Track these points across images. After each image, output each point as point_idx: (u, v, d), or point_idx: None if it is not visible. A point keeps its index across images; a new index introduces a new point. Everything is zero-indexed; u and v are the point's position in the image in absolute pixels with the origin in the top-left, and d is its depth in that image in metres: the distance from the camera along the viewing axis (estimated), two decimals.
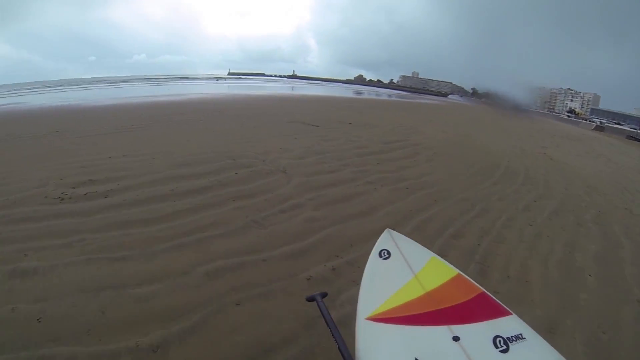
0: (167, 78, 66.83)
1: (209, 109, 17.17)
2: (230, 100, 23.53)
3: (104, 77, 73.13)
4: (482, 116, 32.52)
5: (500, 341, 1.47)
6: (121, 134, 10.28)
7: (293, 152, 8.97)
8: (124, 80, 57.11)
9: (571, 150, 18.21)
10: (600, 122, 55.70)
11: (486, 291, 1.82)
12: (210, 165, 7.36)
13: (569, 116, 69.49)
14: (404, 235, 2.30)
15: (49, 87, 40.69)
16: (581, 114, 74.37)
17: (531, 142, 17.81)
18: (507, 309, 1.68)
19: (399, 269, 1.98)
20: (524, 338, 1.51)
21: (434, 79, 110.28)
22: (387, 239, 2.23)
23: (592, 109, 76.00)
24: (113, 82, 50.88)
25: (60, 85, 42.95)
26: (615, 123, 58.69)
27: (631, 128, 51.47)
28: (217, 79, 77.59)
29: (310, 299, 1.96)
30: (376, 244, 2.21)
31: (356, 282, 2.41)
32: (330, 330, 1.67)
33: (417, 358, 1.39)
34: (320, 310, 1.83)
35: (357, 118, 17.76)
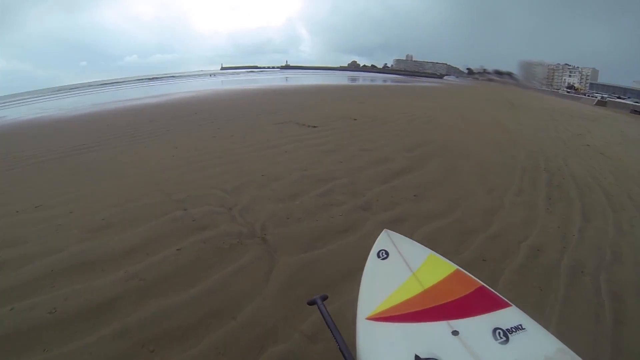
0: (157, 78, 64.85)
1: (184, 112, 14.23)
2: (213, 99, 20.28)
3: (94, 81, 71.70)
4: (491, 95, 29.71)
5: (499, 333, 1.41)
6: (62, 160, 7.94)
7: (280, 182, 5.97)
8: (114, 83, 56.92)
9: (604, 135, 15.09)
10: (602, 97, 52.62)
11: (485, 285, 1.71)
12: (142, 228, 4.42)
13: (568, 92, 66.97)
14: (401, 235, 2.18)
15: (35, 96, 40.02)
16: (580, 89, 71.82)
17: (561, 128, 14.94)
18: (507, 300, 1.59)
19: (397, 268, 1.89)
20: (524, 328, 1.43)
21: (428, 60, 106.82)
22: (385, 240, 2.13)
23: (591, 84, 73.56)
24: (101, 86, 49.83)
25: (47, 94, 42.37)
26: (617, 97, 55.73)
27: (635, 102, 48.25)
28: (211, 74, 74.63)
29: (312, 303, 1.85)
30: (374, 244, 2.10)
31: None
32: (332, 332, 1.60)
33: (417, 354, 1.34)
34: (321, 313, 1.74)
35: (362, 110, 14.48)
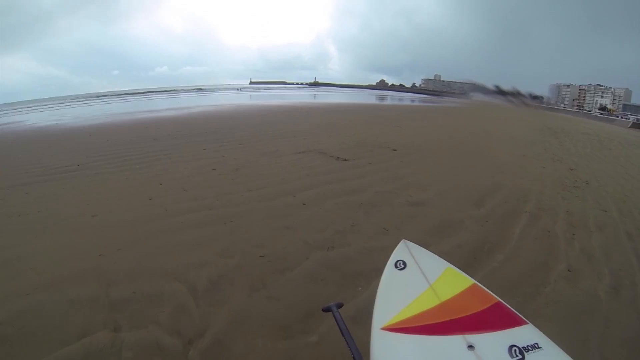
0: (185, 90, 64.20)
1: (194, 131, 12.12)
2: (232, 115, 18.20)
3: (122, 90, 72.57)
4: (523, 117, 26.90)
5: (515, 350, 1.34)
6: (18, 190, 6.32)
7: (289, 275, 3.60)
8: (141, 93, 57.78)
9: None
10: (637, 119, 49.21)
11: (502, 301, 1.63)
12: None
13: (601, 114, 63.30)
14: (419, 246, 2.11)
15: (64, 102, 42.20)
16: (613, 111, 67.43)
17: (622, 161, 12.22)
18: (523, 318, 1.52)
19: (415, 279, 1.83)
20: (540, 347, 1.37)
21: (456, 80, 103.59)
22: (403, 250, 2.06)
23: (624, 105, 69.42)
24: (128, 95, 49.74)
25: (75, 100, 44.25)
26: None
27: None
28: (239, 89, 73.21)
29: (327, 310, 1.76)
30: (392, 254, 2.02)
31: None
32: (346, 340, 1.52)
33: None
34: (336, 321, 1.65)
35: (399, 136, 12.05)
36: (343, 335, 1.56)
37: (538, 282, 3.68)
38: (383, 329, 1.51)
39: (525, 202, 6.09)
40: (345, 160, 8.02)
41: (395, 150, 9.49)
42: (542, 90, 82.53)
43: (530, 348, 1.36)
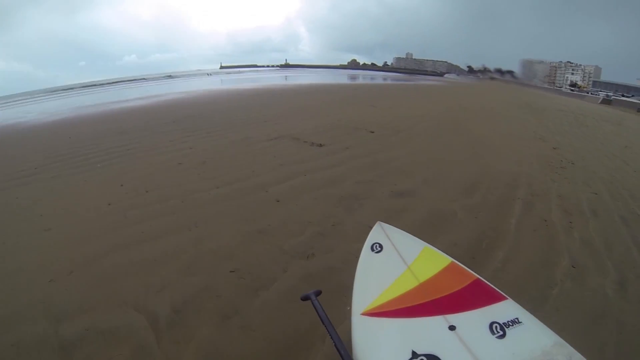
0: (155, 78, 62.28)
1: (162, 121, 11.34)
2: (202, 102, 17.23)
3: (90, 82, 69.90)
4: (502, 95, 26.89)
5: (496, 327, 1.37)
6: None
7: (264, 295, 3.02)
8: (110, 83, 55.75)
9: None
10: (607, 95, 51.04)
11: (481, 277, 1.66)
12: None
13: (572, 90, 64.59)
14: (395, 227, 2.10)
15: (29, 98, 39.94)
16: (584, 87, 69.37)
17: (600, 137, 12.31)
18: (503, 293, 1.56)
19: (392, 261, 1.83)
20: (521, 322, 1.40)
21: (429, 58, 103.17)
22: (379, 232, 2.05)
23: (594, 82, 71.32)
24: (96, 87, 47.86)
25: (41, 95, 41.88)
26: (621, 95, 54.36)
27: None
28: (209, 74, 71.49)
29: (305, 298, 1.76)
30: (368, 237, 2.02)
31: None
32: (326, 328, 1.51)
33: (414, 350, 1.30)
34: (315, 309, 1.64)
35: (376, 117, 11.46)
36: (323, 323, 1.53)
37: (544, 283, 3.28)
38: (363, 314, 1.50)
39: (516, 187, 5.68)
40: (320, 145, 7.43)
41: (372, 132, 8.95)
42: (514, 66, 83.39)
43: (510, 323, 1.37)
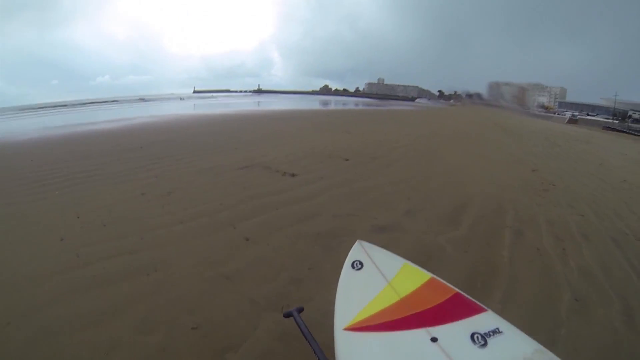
0: (127, 100, 61.13)
1: (129, 146, 10.51)
2: (172, 127, 16.22)
3: (62, 101, 67.86)
4: (475, 118, 27.19)
5: (478, 337, 1.38)
6: None
7: None
8: (81, 104, 54.98)
9: (616, 160, 12.83)
10: (573, 115, 54.17)
11: (460, 291, 1.67)
12: None
13: (539, 111, 66.80)
14: (374, 245, 2.12)
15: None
16: (551, 108, 71.95)
17: (573, 156, 12.49)
18: (482, 305, 1.57)
19: (373, 278, 1.84)
20: (501, 332, 1.42)
21: (400, 83, 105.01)
22: (359, 250, 2.06)
23: (559, 102, 74.32)
24: (66, 107, 46.66)
25: (10, 113, 40.54)
26: (586, 114, 57.51)
27: (605, 118, 50.44)
28: (182, 98, 70.80)
29: (288, 315, 1.81)
30: (348, 255, 2.02)
31: None
32: (310, 344, 1.53)
33: None
34: (298, 326, 1.67)
35: (350, 144, 11.17)
36: (306, 339, 1.54)
37: (550, 324, 2.94)
38: (345, 329, 1.50)
39: (502, 214, 5.38)
40: (293, 175, 6.97)
41: (347, 160, 8.56)
42: (482, 88, 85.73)
43: (491, 333, 1.39)
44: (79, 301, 3.03)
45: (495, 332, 1.39)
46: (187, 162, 8.18)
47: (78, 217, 4.91)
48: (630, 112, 55.51)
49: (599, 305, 3.24)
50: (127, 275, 3.41)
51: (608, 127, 40.60)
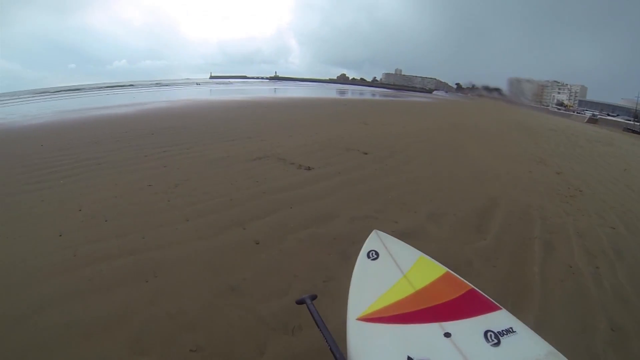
0: (143, 85, 60.55)
1: (139, 132, 10.23)
2: (186, 113, 16.01)
3: (79, 85, 66.82)
4: (493, 113, 26.44)
5: (491, 335, 1.36)
6: None
7: None
8: (98, 88, 53.21)
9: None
10: (593, 114, 52.29)
11: (475, 288, 1.63)
12: None
13: (559, 109, 65.52)
14: (391, 236, 2.08)
15: (16, 98, 36.45)
16: (570, 106, 70.37)
17: (597, 159, 11.97)
18: (497, 304, 1.54)
19: (388, 269, 1.81)
20: (515, 332, 1.39)
21: (417, 75, 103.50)
22: (375, 240, 2.03)
23: (579, 101, 72.78)
24: (83, 91, 46.37)
25: (29, 96, 38.55)
26: (607, 114, 55.68)
27: (626, 119, 48.75)
28: (198, 83, 70.19)
29: (300, 302, 1.77)
30: (364, 245, 1.99)
31: None
32: (322, 332, 1.52)
33: (410, 356, 1.28)
34: (311, 313, 1.65)
35: (368, 136, 10.80)
36: (319, 327, 1.53)
37: (586, 357, 2.64)
38: (358, 319, 1.48)
39: (530, 223, 5.02)
40: (308, 169, 6.64)
41: (366, 153, 8.21)
42: (502, 84, 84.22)
43: (505, 332, 1.36)
44: (71, 308, 2.76)
45: (509, 331, 1.37)
46: (199, 150, 7.90)
47: (80, 210, 4.64)
48: None
49: (635, 336, 2.95)
50: (125, 281, 3.13)
51: (629, 128, 39.35)
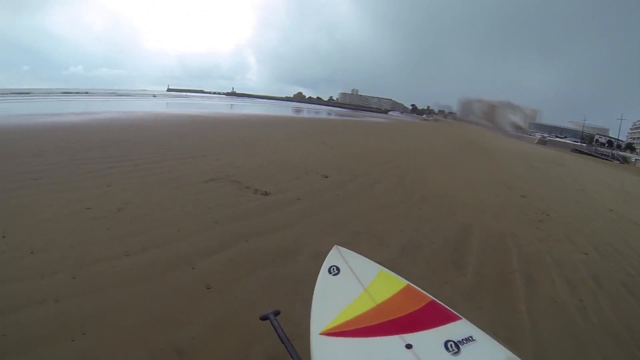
0: (99, 93, 58.16)
1: (89, 144, 8.84)
2: (140, 125, 14.47)
3: (32, 88, 62.81)
4: (451, 135, 26.73)
5: (451, 345, 1.37)
6: None
7: None
8: (50, 93, 50.03)
9: (594, 186, 13.12)
10: (543, 136, 55.48)
11: (435, 299, 1.68)
12: None
13: (511, 131, 68.51)
14: (351, 251, 2.11)
15: None
16: (523, 128, 73.22)
17: (555, 180, 12.59)
18: (457, 314, 1.57)
19: (349, 283, 1.83)
20: (474, 340, 1.41)
21: (374, 95, 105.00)
22: (336, 256, 2.07)
23: (530, 123, 76.01)
24: (35, 96, 43.40)
25: None
26: (555, 136, 59.53)
27: (574, 141, 51.93)
28: (154, 95, 68.41)
29: (264, 318, 1.74)
30: (325, 260, 2.02)
31: None
32: (286, 347, 1.51)
33: None
34: (275, 329, 1.65)
35: (327, 157, 10.46)
36: (283, 342, 1.52)
37: None
38: (322, 334, 1.48)
39: (507, 253, 4.77)
40: (265, 194, 6.07)
41: (326, 177, 7.75)
42: (454, 103, 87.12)
43: (465, 341, 1.37)
44: None
45: (469, 339, 1.38)
46: (148, 168, 7.19)
47: (3, 237, 3.94)
48: (596, 137, 57.67)
49: None
50: (45, 339, 2.44)
51: (577, 149, 42.02)
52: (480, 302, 3.42)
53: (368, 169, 9.31)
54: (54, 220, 4.43)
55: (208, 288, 3.18)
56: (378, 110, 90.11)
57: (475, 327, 1.46)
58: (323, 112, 58.43)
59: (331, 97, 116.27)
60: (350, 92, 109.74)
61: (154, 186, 6.09)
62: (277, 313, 1.74)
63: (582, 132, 56.82)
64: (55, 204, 4.94)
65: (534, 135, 57.21)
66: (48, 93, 50.64)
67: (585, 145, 47.13)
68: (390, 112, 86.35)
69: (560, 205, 8.24)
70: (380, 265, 1.94)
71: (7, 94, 43.93)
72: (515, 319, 3.24)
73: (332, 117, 44.65)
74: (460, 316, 1.52)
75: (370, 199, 6.56)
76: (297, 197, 6.11)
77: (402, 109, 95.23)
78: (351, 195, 6.66)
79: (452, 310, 1.57)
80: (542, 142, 47.86)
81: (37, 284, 3.08)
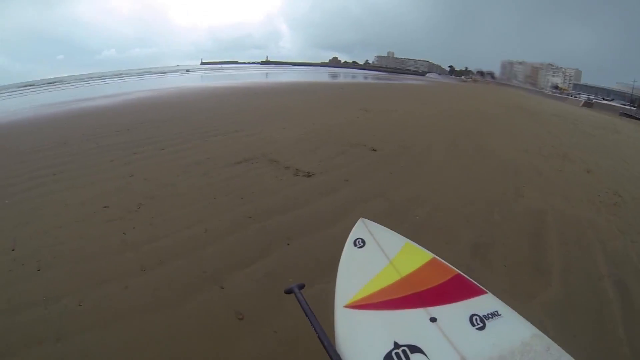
0: (132, 74, 58.34)
1: (115, 128, 8.82)
2: (171, 103, 14.37)
3: (67, 76, 63.61)
4: (495, 98, 25.17)
5: (476, 319, 1.34)
6: None
7: None
8: (85, 79, 50.27)
9: None
10: (589, 98, 51.61)
11: (461, 272, 1.62)
12: None
13: (554, 92, 64.73)
14: (377, 224, 2.00)
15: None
16: (565, 90, 69.19)
17: (612, 149, 11.00)
18: (483, 288, 1.53)
19: (374, 256, 1.76)
20: (500, 315, 1.38)
21: (410, 57, 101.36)
22: (361, 228, 1.96)
23: (574, 84, 71.51)
24: (69, 83, 44.23)
25: (14, 90, 37.45)
26: (602, 98, 55.55)
27: (622, 104, 48.45)
28: (187, 70, 68.00)
29: (289, 292, 1.66)
30: (350, 233, 1.91)
31: None
32: (310, 321, 1.43)
33: (396, 341, 1.27)
34: (299, 302, 1.55)
35: (372, 126, 9.65)
36: (307, 315, 1.46)
37: None
38: (346, 306, 1.46)
39: (590, 250, 3.95)
40: (308, 175, 5.40)
41: (374, 150, 6.98)
42: (494, 67, 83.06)
43: (490, 316, 1.35)
44: None
45: (494, 314, 1.34)
46: (173, 152, 6.66)
47: (13, 250, 3.41)
48: None
49: None
50: None
51: (626, 113, 38.33)
52: (574, 327, 2.71)
53: (416, 138, 8.52)
54: (67, 225, 3.96)
55: (240, 318, 2.54)
56: (415, 73, 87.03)
57: (501, 301, 1.42)
58: (360, 76, 56.66)
59: (367, 60, 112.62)
60: (386, 55, 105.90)
61: (180, 172, 5.57)
62: (301, 287, 1.64)
63: (632, 94, 53.03)
64: (71, 204, 4.50)
65: (578, 97, 53.16)
66: (85, 78, 51.40)
67: (634, 109, 44.12)
68: (427, 74, 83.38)
69: (629, 182, 7.13)
70: (405, 238, 1.85)
71: (42, 84, 44.88)
72: (614, 349, 2.55)
73: (370, 80, 42.95)
74: (486, 290, 1.48)
75: (426, 177, 5.84)
76: (345, 178, 5.44)
77: (440, 70, 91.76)
78: (404, 174, 5.93)
79: (477, 284, 1.52)
80: (588, 104, 44.71)
81: (39, 315, 2.59)
